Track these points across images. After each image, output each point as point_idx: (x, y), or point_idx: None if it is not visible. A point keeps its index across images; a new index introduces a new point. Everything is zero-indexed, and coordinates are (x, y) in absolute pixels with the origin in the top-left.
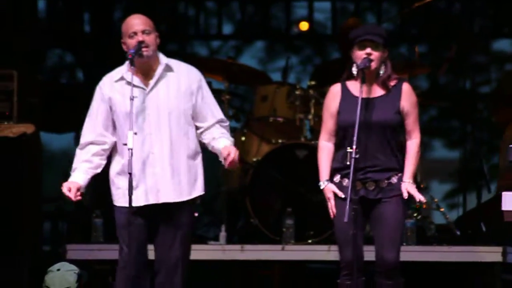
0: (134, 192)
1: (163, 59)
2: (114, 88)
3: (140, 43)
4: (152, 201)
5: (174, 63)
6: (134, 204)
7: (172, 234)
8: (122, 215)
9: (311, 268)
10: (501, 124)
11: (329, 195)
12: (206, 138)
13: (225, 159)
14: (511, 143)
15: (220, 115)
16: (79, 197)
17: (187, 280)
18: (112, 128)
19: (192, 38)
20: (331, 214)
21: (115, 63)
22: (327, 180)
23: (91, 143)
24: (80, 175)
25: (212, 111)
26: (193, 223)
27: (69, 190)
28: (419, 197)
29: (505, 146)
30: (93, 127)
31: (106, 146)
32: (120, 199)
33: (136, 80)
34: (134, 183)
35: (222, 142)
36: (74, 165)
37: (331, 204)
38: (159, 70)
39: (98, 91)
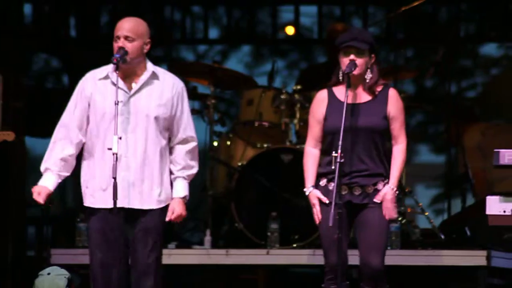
0: (103, 193)
1: (150, 66)
2: (96, 86)
3: (120, 49)
4: (120, 204)
5: (160, 71)
6: (103, 206)
7: (142, 240)
8: (92, 216)
9: (295, 272)
10: (452, 136)
11: (314, 201)
12: (171, 162)
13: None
14: (469, 148)
15: (190, 132)
16: (45, 203)
17: (162, 284)
18: (86, 126)
19: (178, 42)
20: (316, 220)
21: (101, 67)
22: (312, 186)
23: (66, 138)
24: (51, 178)
25: (185, 127)
26: (163, 229)
27: (39, 194)
28: (388, 214)
29: (469, 151)
30: (70, 122)
31: (79, 145)
32: (89, 200)
33: (121, 83)
34: (104, 185)
35: (175, 190)
36: (47, 164)
37: (316, 210)
38: (145, 76)
39: (80, 86)
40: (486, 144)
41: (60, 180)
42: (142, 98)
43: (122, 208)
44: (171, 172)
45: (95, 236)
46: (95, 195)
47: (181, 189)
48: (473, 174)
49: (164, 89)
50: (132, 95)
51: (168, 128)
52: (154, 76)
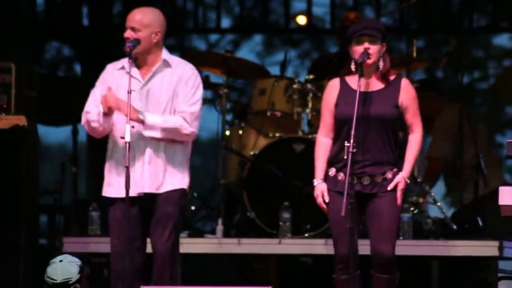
0: (117, 183)
1: (164, 55)
2: (114, 76)
3: (125, 39)
4: (136, 192)
5: (174, 59)
6: (119, 196)
7: (159, 227)
8: (110, 206)
9: (307, 261)
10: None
11: (318, 192)
12: None
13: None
14: (440, 134)
15: (190, 100)
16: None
17: (181, 270)
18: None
19: (191, 32)
20: (324, 209)
21: (113, 56)
22: (321, 179)
23: (89, 112)
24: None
25: (182, 103)
26: (180, 214)
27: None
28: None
29: (435, 136)
30: (93, 102)
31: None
32: (106, 189)
33: (135, 72)
34: (120, 174)
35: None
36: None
37: (319, 201)
38: (157, 65)
39: (103, 74)
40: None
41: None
42: (154, 87)
43: (138, 197)
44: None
45: (111, 225)
46: (111, 184)
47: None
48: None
49: (174, 75)
50: (145, 84)
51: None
52: (166, 64)
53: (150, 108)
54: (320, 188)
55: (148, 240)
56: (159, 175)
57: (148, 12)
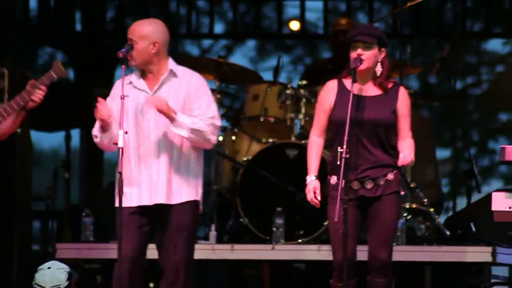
0: (129, 192)
1: (170, 64)
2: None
3: (124, 45)
4: (145, 202)
5: (180, 69)
6: (128, 205)
7: (170, 238)
8: (118, 214)
9: (300, 267)
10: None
11: (310, 188)
12: None
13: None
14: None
15: (208, 112)
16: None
17: (193, 282)
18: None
19: (184, 37)
20: (316, 204)
21: (106, 62)
22: (315, 176)
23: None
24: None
25: (202, 109)
26: (193, 225)
27: (101, 104)
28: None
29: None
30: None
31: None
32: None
33: (142, 84)
34: (130, 184)
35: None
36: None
37: (310, 197)
38: (164, 75)
39: (112, 91)
40: None
41: (114, 128)
42: (162, 96)
43: (145, 206)
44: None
45: (118, 232)
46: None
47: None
48: None
49: (181, 84)
50: (153, 95)
51: None
52: (172, 74)
53: (160, 117)
54: (313, 185)
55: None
56: (172, 185)
57: (145, 24)
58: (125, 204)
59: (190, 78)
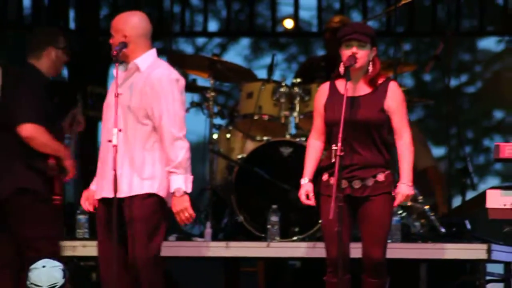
0: (100, 185)
1: (140, 58)
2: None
3: (118, 44)
4: (108, 194)
5: (144, 63)
6: (99, 197)
7: (130, 231)
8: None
9: (296, 265)
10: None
11: (302, 191)
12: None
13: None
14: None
15: (168, 124)
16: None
17: (158, 277)
18: None
19: (177, 35)
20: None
21: (100, 60)
22: (308, 179)
23: None
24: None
25: (162, 118)
26: (151, 218)
27: (87, 199)
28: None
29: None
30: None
31: None
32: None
33: (121, 76)
34: (102, 176)
35: (172, 185)
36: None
37: (302, 200)
38: (132, 69)
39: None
40: None
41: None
42: (125, 92)
43: (110, 199)
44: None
45: (97, 228)
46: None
47: (172, 183)
48: None
49: (140, 80)
50: (119, 88)
51: (148, 117)
52: (136, 68)
53: (122, 109)
54: (305, 188)
55: None
56: (128, 178)
57: (120, 17)
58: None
59: (149, 72)
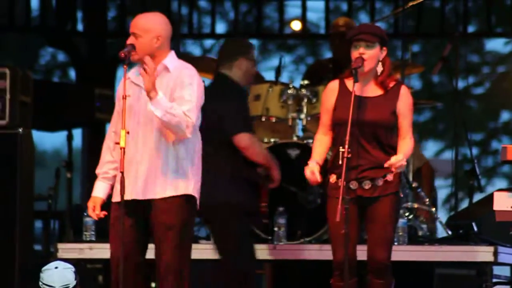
0: (116, 188)
1: (167, 59)
2: (121, 87)
3: (127, 45)
4: (136, 196)
5: (172, 63)
6: (118, 200)
7: (159, 236)
8: (112, 211)
9: (302, 267)
10: None
11: (308, 170)
12: None
13: None
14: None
15: (186, 106)
16: (102, 215)
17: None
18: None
19: (185, 37)
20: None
21: (108, 62)
22: (315, 161)
23: (106, 143)
24: (100, 185)
25: (181, 100)
26: (185, 223)
27: (93, 210)
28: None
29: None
30: (110, 126)
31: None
32: (113, 195)
33: (140, 79)
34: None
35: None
36: (97, 169)
37: (307, 174)
38: (158, 69)
39: (117, 89)
40: None
41: (111, 182)
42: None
43: (136, 201)
44: None
45: (110, 230)
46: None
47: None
48: None
49: (170, 80)
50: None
51: None
52: (165, 69)
53: (146, 112)
54: (311, 167)
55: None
56: (158, 179)
57: (149, 17)
58: (113, 199)
59: (180, 71)
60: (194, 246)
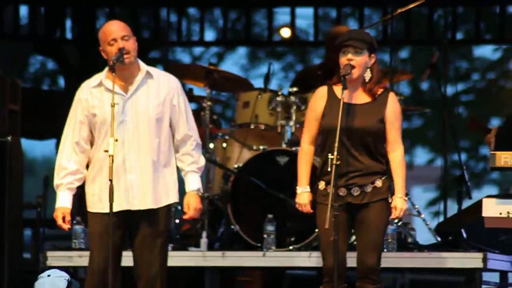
0: (101, 197)
1: (144, 66)
2: (92, 94)
3: (121, 49)
4: (126, 207)
5: (154, 70)
6: (100, 211)
7: (150, 244)
8: (97, 221)
9: (292, 274)
10: None
11: (300, 201)
12: (178, 159)
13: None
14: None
15: (192, 126)
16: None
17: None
18: (91, 135)
19: (174, 44)
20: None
21: (97, 70)
22: (304, 188)
23: (69, 151)
24: (65, 195)
25: (187, 122)
26: (167, 232)
27: (64, 221)
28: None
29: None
30: (72, 134)
31: (85, 155)
32: (94, 205)
33: (116, 87)
34: (104, 189)
35: (188, 184)
36: (57, 179)
37: (301, 209)
38: (140, 76)
39: (76, 97)
40: None
41: (74, 192)
42: (140, 99)
43: (123, 211)
44: (181, 169)
45: (93, 239)
46: (94, 199)
47: (194, 182)
48: None
49: (160, 87)
50: (129, 97)
51: (170, 125)
52: (148, 75)
53: (140, 119)
54: (303, 198)
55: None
56: (149, 191)
57: (120, 23)
58: (97, 210)
59: (168, 80)
60: (183, 253)
